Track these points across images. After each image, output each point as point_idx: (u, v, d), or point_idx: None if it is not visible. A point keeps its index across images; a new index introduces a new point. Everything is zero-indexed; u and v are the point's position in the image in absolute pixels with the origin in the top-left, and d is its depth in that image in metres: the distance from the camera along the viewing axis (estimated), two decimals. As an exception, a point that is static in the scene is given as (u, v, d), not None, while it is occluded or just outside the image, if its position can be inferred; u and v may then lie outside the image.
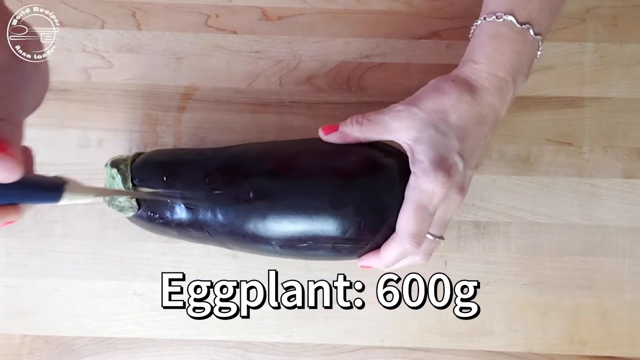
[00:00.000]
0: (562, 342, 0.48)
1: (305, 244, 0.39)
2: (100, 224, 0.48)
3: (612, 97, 0.49)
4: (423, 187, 0.37)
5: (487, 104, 0.38)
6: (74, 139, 0.49)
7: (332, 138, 0.40)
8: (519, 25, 0.38)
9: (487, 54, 0.39)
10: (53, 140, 0.49)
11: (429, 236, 0.39)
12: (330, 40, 0.50)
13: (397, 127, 0.38)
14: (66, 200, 0.29)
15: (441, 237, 0.41)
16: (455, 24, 0.50)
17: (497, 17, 0.39)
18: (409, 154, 0.38)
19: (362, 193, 0.38)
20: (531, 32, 0.39)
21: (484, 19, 0.40)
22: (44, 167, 0.48)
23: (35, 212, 0.48)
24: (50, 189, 0.29)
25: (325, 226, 0.38)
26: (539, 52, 0.41)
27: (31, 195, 0.28)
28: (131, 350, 0.48)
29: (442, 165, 0.37)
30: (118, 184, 0.40)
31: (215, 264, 0.48)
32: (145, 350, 0.48)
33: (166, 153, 0.43)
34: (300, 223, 0.38)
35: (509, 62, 0.38)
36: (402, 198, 0.38)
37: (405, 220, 0.37)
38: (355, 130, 0.39)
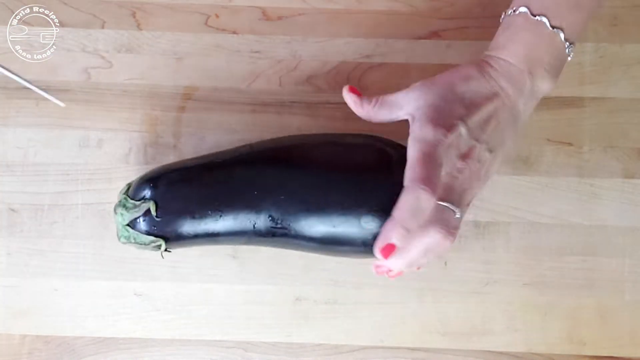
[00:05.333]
0: (562, 342, 0.48)
1: (306, 220, 0.39)
2: (100, 223, 0.48)
3: (612, 97, 0.49)
4: (421, 136, 0.36)
5: (497, 84, 0.39)
6: (74, 139, 0.49)
7: (349, 99, 0.40)
8: (532, 16, 0.39)
9: (498, 43, 0.40)
10: (53, 140, 0.49)
11: (441, 202, 0.36)
12: (330, 40, 0.50)
13: (405, 101, 0.39)
14: None
15: (452, 205, 0.37)
16: (455, 24, 0.50)
17: (513, 11, 0.40)
18: (410, 121, 0.38)
19: (360, 182, 0.39)
20: (547, 23, 0.38)
21: (504, 13, 0.41)
22: (44, 167, 0.49)
23: (36, 212, 0.48)
24: None
25: (327, 202, 0.39)
26: (568, 52, 0.40)
27: None
28: (131, 350, 0.47)
29: (441, 122, 0.36)
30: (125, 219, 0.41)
31: (215, 264, 0.48)
32: (145, 350, 0.47)
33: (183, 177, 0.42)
34: (299, 199, 0.39)
35: (521, 51, 0.39)
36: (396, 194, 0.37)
37: (411, 169, 0.35)
38: (368, 108, 0.40)
